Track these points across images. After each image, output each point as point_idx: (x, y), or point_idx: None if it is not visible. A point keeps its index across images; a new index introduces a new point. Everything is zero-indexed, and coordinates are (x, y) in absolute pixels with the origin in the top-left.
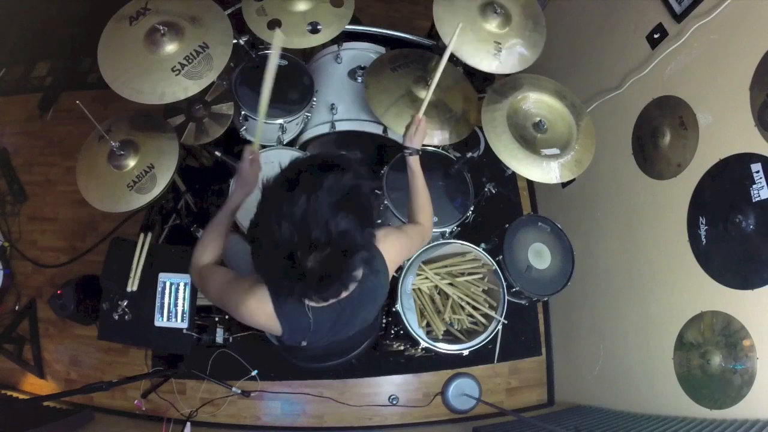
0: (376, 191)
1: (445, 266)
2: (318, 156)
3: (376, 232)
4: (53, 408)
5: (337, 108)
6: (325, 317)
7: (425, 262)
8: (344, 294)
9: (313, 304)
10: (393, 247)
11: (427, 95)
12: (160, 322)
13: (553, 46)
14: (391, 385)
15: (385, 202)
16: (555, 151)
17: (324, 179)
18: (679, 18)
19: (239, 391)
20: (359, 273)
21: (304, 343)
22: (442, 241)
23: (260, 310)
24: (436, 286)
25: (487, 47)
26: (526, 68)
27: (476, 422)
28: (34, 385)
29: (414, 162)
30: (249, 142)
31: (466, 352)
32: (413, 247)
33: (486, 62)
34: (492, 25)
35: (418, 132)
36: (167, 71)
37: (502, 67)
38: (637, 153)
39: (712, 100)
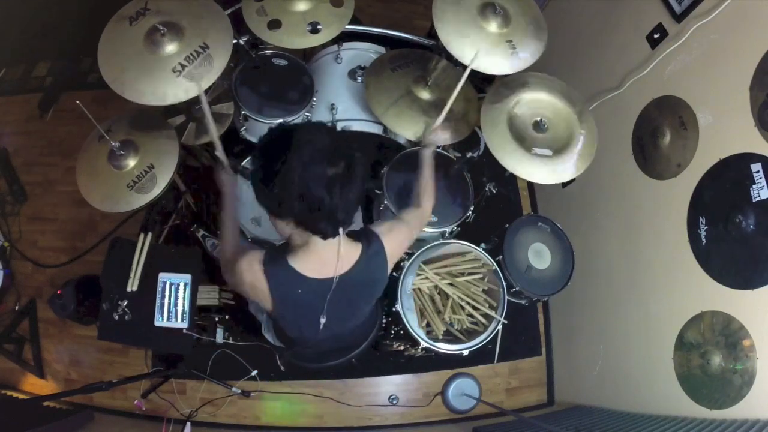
0: (376, 191)
1: (445, 266)
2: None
3: (379, 225)
4: (53, 408)
5: (337, 108)
6: (316, 291)
7: (425, 262)
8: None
9: (308, 273)
10: (396, 239)
11: (445, 109)
12: (160, 322)
13: (553, 46)
14: (391, 385)
15: (385, 202)
16: (547, 152)
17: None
18: (679, 18)
19: (239, 391)
20: (359, 216)
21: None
22: (442, 241)
23: (250, 268)
24: (436, 286)
25: (502, 49)
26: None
27: (476, 422)
28: (34, 385)
29: (431, 153)
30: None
31: (466, 352)
32: (413, 233)
33: (508, 63)
34: (494, 27)
35: (439, 133)
36: (167, 71)
37: (523, 62)
38: (637, 153)
39: (712, 100)
